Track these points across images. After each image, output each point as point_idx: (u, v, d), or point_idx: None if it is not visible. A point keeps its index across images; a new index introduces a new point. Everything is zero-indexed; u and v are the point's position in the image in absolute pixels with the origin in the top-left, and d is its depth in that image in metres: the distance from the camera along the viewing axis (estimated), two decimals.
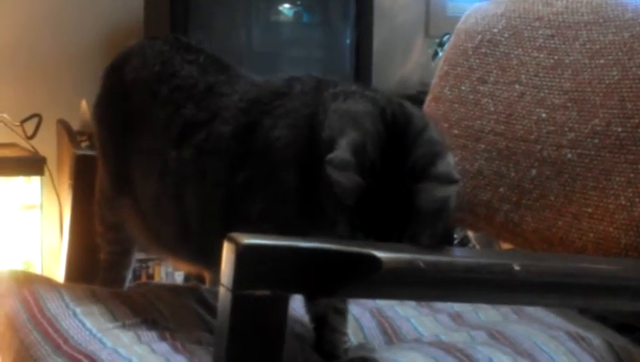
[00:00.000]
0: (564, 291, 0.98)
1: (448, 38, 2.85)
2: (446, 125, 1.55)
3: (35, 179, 2.33)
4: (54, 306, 1.21)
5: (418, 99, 2.88)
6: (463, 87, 1.55)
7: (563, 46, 1.40)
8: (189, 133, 1.19)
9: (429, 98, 1.64)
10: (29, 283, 1.32)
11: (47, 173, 2.34)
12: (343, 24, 2.81)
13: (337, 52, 2.82)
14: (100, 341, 1.11)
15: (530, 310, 1.33)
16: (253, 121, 1.13)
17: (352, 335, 1.23)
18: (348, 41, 2.78)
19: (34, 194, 2.33)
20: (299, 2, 2.77)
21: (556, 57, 1.40)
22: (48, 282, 1.37)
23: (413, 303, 1.36)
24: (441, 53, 2.92)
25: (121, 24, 2.59)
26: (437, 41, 2.94)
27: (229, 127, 1.15)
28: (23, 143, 2.42)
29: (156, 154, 1.22)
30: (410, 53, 3.17)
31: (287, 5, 2.76)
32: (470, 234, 1.85)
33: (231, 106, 1.17)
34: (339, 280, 0.90)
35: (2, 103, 2.41)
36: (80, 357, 1.08)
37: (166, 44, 1.31)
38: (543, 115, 1.38)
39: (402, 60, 3.15)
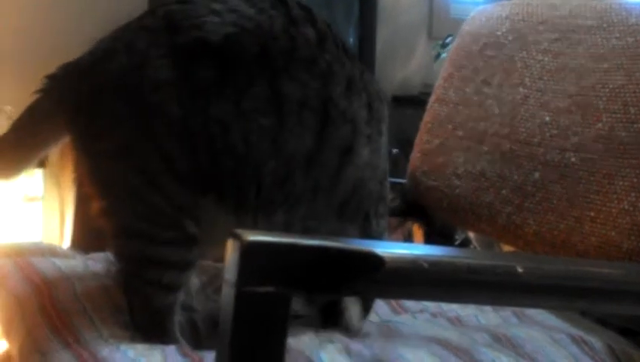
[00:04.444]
0: (567, 294, 0.98)
1: (451, 40, 2.87)
2: (450, 127, 1.56)
3: (38, 171, 2.33)
4: (65, 298, 1.22)
5: (420, 100, 2.90)
6: (467, 89, 1.55)
7: (567, 50, 1.41)
8: (352, 88, 1.20)
9: (432, 99, 1.64)
10: (41, 262, 1.34)
11: (49, 165, 2.34)
12: (346, 24, 2.82)
13: None
14: (107, 341, 1.11)
15: (532, 313, 1.33)
16: None
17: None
18: (351, 41, 2.78)
19: (36, 186, 2.34)
20: (303, 2, 2.78)
21: (560, 61, 1.41)
22: (62, 264, 1.37)
23: (411, 311, 1.37)
24: (443, 55, 2.92)
25: (125, 19, 2.59)
26: (440, 42, 2.95)
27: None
28: None
29: (305, 105, 1.16)
30: (413, 55, 3.18)
31: None
32: (471, 235, 1.85)
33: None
34: (341, 278, 0.90)
35: (6, 95, 2.41)
36: (87, 357, 1.07)
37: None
38: (547, 119, 1.38)
39: (405, 61, 3.15)
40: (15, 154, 1.30)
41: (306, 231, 1.16)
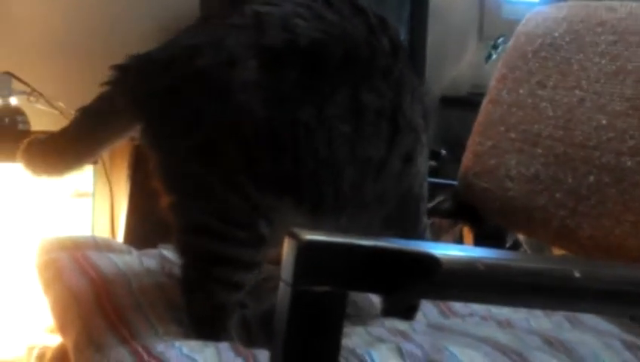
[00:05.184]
0: (624, 299, 0.97)
1: (502, 41, 2.85)
2: (503, 128, 1.55)
3: (88, 167, 2.35)
4: (121, 293, 1.23)
5: (469, 100, 2.89)
6: (521, 91, 1.54)
7: (626, 52, 1.39)
8: (415, 97, 1.22)
9: (486, 100, 1.63)
10: (97, 256, 1.35)
11: (99, 160, 2.36)
12: (397, 24, 2.81)
13: None
14: (162, 338, 1.12)
15: (584, 317, 1.32)
16: None
17: None
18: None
19: (86, 182, 2.36)
20: None
21: (618, 64, 1.39)
22: (118, 259, 1.38)
23: (460, 314, 1.37)
24: (494, 56, 2.91)
25: (176, 14, 2.62)
26: (491, 43, 2.93)
27: None
28: None
29: (381, 114, 1.17)
30: (464, 55, 3.16)
31: None
32: (522, 238, 1.84)
33: None
34: (397, 279, 0.90)
35: (58, 92, 2.43)
36: (143, 352, 1.08)
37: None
38: (603, 122, 1.37)
39: (455, 61, 3.14)
40: (77, 148, 1.29)
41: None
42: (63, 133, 1.29)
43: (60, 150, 1.31)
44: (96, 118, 1.26)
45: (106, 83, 1.21)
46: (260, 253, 1.17)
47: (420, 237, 1.32)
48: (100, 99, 1.23)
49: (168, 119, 1.15)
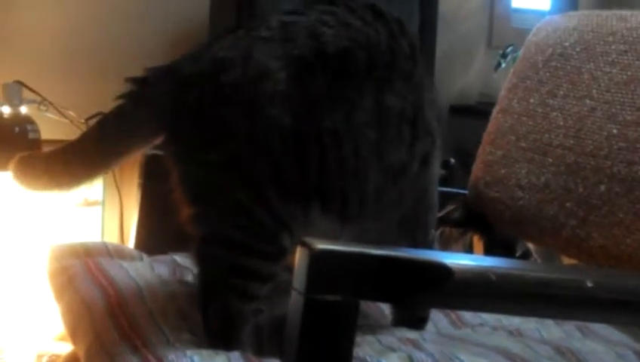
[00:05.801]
0: (637, 309, 0.97)
1: (511, 50, 2.85)
2: (513, 138, 1.55)
3: None
4: (133, 301, 1.23)
5: (477, 109, 2.88)
6: (531, 100, 1.54)
7: (637, 62, 1.39)
8: (431, 99, 1.23)
9: (496, 110, 1.63)
10: (108, 263, 1.35)
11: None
12: None
13: None
14: (173, 345, 1.12)
15: (595, 327, 1.32)
16: None
17: None
18: None
19: (96, 190, 2.37)
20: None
21: (629, 73, 1.39)
22: (129, 266, 1.38)
23: (470, 324, 1.36)
24: (503, 64, 2.91)
25: (186, 24, 2.63)
26: (500, 52, 2.93)
27: None
28: None
29: (403, 118, 1.18)
30: (472, 63, 3.16)
31: None
32: (531, 247, 1.84)
33: None
34: (409, 288, 0.90)
35: (68, 100, 2.44)
36: (152, 359, 1.08)
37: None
38: (614, 131, 1.37)
39: (464, 70, 3.14)
40: (92, 160, 1.25)
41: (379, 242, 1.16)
42: (75, 146, 1.25)
43: (69, 163, 1.26)
44: (115, 130, 1.22)
45: (124, 95, 1.19)
46: (278, 266, 1.16)
47: (429, 247, 1.32)
48: (118, 112, 1.20)
49: (194, 133, 1.14)
